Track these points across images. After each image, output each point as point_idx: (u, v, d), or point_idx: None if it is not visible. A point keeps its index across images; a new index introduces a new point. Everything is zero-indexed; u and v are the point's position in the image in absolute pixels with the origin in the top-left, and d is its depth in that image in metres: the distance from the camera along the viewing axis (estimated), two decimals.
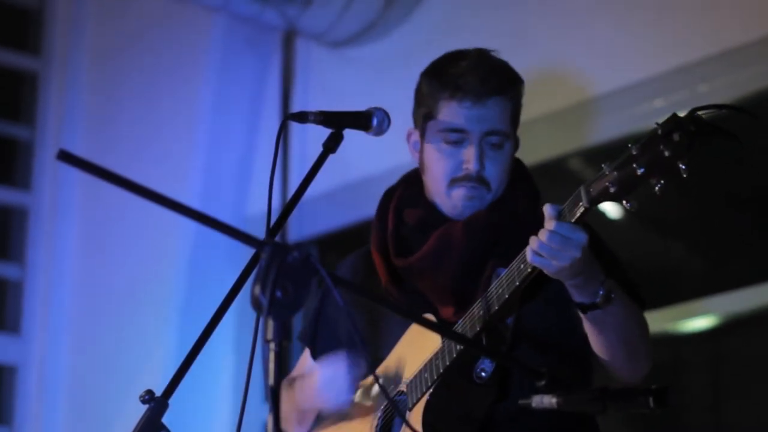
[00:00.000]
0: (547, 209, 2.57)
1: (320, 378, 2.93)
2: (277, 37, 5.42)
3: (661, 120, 2.38)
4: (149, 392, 2.55)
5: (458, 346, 2.72)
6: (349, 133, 2.94)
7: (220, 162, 5.46)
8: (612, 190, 2.43)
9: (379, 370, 2.97)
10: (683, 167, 2.33)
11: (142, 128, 5.76)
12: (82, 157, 1.94)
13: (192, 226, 5.19)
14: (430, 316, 2.86)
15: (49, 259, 5.92)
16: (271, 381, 1.91)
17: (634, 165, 2.38)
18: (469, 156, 2.93)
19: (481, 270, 2.90)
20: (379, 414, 2.92)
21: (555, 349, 2.85)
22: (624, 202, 2.45)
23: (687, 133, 2.32)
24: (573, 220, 2.54)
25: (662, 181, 2.37)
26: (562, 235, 2.52)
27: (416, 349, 2.85)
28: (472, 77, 2.96)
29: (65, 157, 1.93)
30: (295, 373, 3.19)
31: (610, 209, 4.70)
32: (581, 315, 2.67)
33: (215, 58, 5.51)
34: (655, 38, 4.35)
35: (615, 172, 2.42)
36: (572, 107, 4.48)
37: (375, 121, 2.95)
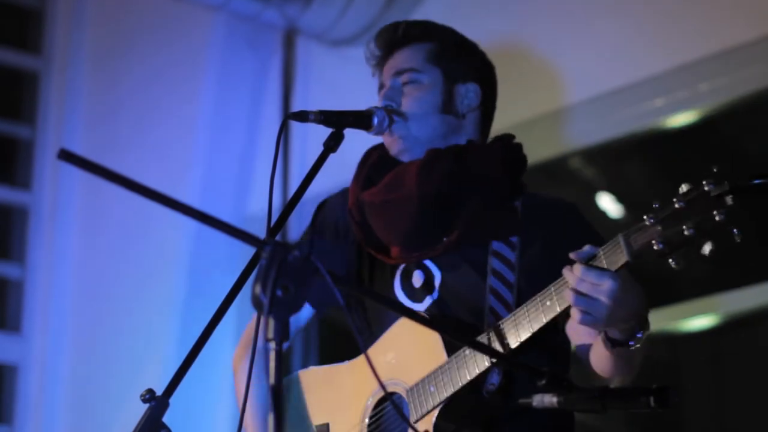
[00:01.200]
0: (586, 247, 2.51)
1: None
2: (278, 36, 5.42)
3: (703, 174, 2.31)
4: (150, 391, 2.56)
5: (470, 372, 2.69)
6: (349, 133, 2.95)
7: (221, 161, 5.46)
8: (657, 247, 2.36)
9: (364, 363, 2.95)
10: (736, 232, 2.28)
11: (142, 127, 5.76)
12: (83, 156, 1.94)
13: (192, 225, 5.19)
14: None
15: (50, 258, 5.92)
16: (272, 380, 1.91)
17: (683, 225, 2.31)
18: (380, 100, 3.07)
19: (438, 225, 2.90)
20: (366, 416, 2.90)
21: (539, 345, 2.83)
22: (670, 260, 2.36)
23: (741, 200, 2.27)
24: (615, 269, 2.47)
25: (714, 246, 2.30)
26: (591, 282, 2.46)
27: (412, 346, 2.84)
28: (377, 41, 3.17)
29: (66, 156, 1.93)
30: None
31: (610, 207, 4.70)
32: (603, 344, 2.62)
33: (216, 57, 5.51)
34: (656, 37, 4.35)
35: (659, 227, 2.34)
36: (573, 106, 4.48)
37: (375, 120, 2.97)
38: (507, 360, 2.61)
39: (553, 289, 2.57)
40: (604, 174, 4.70)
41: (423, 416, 2.76)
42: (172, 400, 2.57)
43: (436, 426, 2.73)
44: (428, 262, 2.93)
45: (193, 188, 5.37)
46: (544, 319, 2.59)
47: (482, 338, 2.71)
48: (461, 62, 3.12)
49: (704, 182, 2.27)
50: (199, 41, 5.59)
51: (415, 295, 2.93)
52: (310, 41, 5.31)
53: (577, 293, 2.47)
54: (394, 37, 3.14)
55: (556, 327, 2.76)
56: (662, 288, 4.52)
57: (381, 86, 3.11)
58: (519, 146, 3.07)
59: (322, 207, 3.20)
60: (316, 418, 3.02)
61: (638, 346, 2.59)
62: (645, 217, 2.36)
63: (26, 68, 6.18)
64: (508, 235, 2.88)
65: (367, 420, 2.90)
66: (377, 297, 2.93)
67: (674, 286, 4.52)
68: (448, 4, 4.84)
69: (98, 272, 5.78)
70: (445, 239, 2.89)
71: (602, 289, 2.45)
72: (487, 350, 2.63)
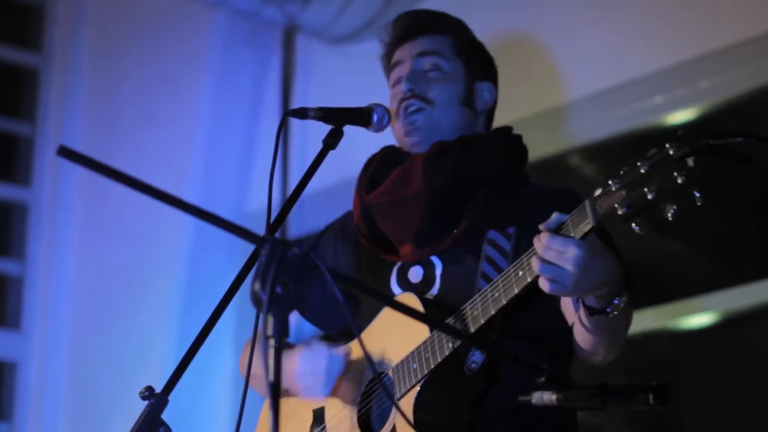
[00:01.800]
0: (553, 218, 2.51)
1: (298, 368, 2.92)
2: (278, 33, 5.42)
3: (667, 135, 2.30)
4: (149, 388, 2.56)
5: (451, 343, 2.69)
6: (349, 130, 2.95)
7: (220, 158, 5.46)
8: (621, 211, 2.33)
9: (357, 349, 2.96)
10: (698, 195, 2.26)
11: (142, 124, 5.76)
12: (83, 153, 1.94)
13: (192, 222, 5.20)
14: (412, 300, 2.83)
15: (49, 255, 5.92)
16: (271, 377, 1.91)
17: (645, 188, 2.29)
18: (402, 82, 3.05)
19: (449, 214, 2.90)
20: (357, 397, 2.91)
21: (539, 338, 2.84)
22: (633, 225, 2.33)
23: (703, 161, 2.26)
24: (579, 237, 2.46)
25: (675, 207, 2.28)
26: (555, 250, 2.45)
27: (398, 327, 2.84)
28: (397, 25, 3.14)
29: (65, 153, 1.93)
30: None
31: None
32: (582, 314, 2.64)
33: (215, 55, 5.51)
34: (656, 34, 4.35)
35: (623, 191, 2.32)
36: (573, 103, 4.48)
37: (375, 118, 2.97)
38: (504, 356, 2.61)
39: (525, 259, 2.56)
40: (604, 171, 4.70)
41: (405, 393, 2.76)
42: (171, 397, 2.57)
43: (416, 402, 2.73)
44: (431, 256, 2.94)
45: (193, 185, 5.38)
46: (515, 290, 2.57)
47: (455, 315, 2.71)
48: (480, 60, 3.14)
49: (667, 144, 2.27)
50: (199, 38, 5.59)
51: (413, 291, 2.92)
52: (309, 38, 5.30)
53: (543, 261, 2.46)
54: (415, 23, 3.13)
55: (551, 314, 2.77)
56: (661, 286, 4.52)
57: (397, 64, 3.10)
58: (519, 137, 3.08)
59: (322, 233, 3.22)
60: (314, 403, 3.03)
61: (617, 314, 2.57)
62: (610, 182, 2.35)
63: (26, 65, 6.18)
64: (507, 225, 2.88)
65: (358, 398, 2.90)
66: (374, 293, 2.92)
67: (674, 283, 4.52)
68: (446, 4, 4.83)
69: (98, 269, 5.78)
70: (454, 231, 2.89)
71: (567, 256, 2.44)
72: (487, 345, 2.64)
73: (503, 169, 2.95)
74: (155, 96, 5.74)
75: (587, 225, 2.43)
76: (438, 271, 2.92)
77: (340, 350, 2.95)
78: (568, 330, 2.81)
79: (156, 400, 2.54)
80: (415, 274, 2.95)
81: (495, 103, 3.15)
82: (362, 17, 5.03)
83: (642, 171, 2.29)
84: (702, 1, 4.27)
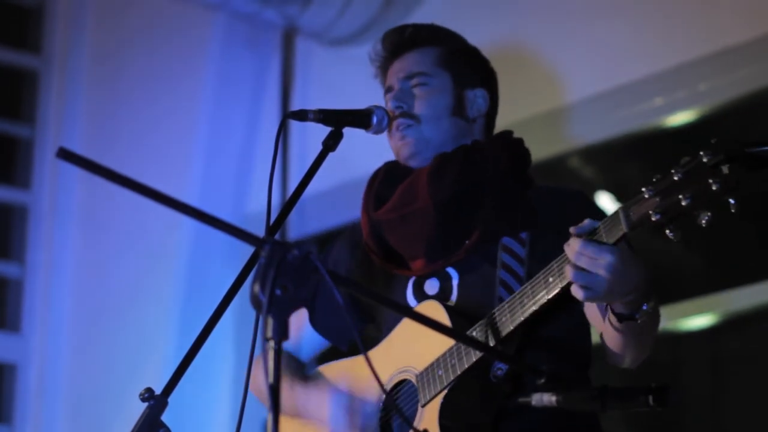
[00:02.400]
0: (585, 222, 2.52)
1: (330, 416, 2.91)
2: (277, 35, 5.42)
3: (703, 147, 2.31)
4: (149, 390, 2.56)
5: (475, 355, 2.69)
6: (348, 132, 2.95)
7: (220, 160, 5.46)
8: (654, 218, 2.36)
9: (381, 350, 2.96)
10: (732, 202, 2.27)
11: (141, 126, 5.76)
12: (82, 155, 1.94)
13: (192, 224, 5.19)
14: (434, 306, 2.83)
15: (49, 257, 5.91)
16: (270, 379, 1.91)
17: (680, 196, 2.31)
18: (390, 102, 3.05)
19: (459, 225, 2.90)
20: (381, 400, 2.91)
21: (559, 345, 2.84)
22: (667, 231, 2.36)
23: (737, 169, 2.26)
24: (609, 242, 2.47)
25: (710, 214, 2.29)
26: (588, 256, 2.46)
27: (422, 334, 2.82)
28: (384, 43, 3.15)
29: (65, 155, 1.93)
30: None
31: (610, 207, 4.70)
32: (612, 320, 2.62)
33: (215, 57, 5.51)
34: (656, 36, 4.35)
35: (657, 198, 2.35)
36: (572, 105, 4.48)
37: (375, 119, 2.97)
38: (507, 359, 2.61)
39: (555, 265, 2.57)
40: (603, 173, 4.70)
41: (430, 400, 2.77)
42: (171, 399, 2.57)
43: (442, 408, 2.74)
44: (447, 268, 2.93)
45: (192, 187, 5.37)
46: (546, 296, 2.59)
47: (482, 323, 2.72)
48: (470, 68, 3.13)
49: (701, 152, 2.29)
50: (198, 40, 5.59)
51: None
52: (309, 40, 5.30)
53: (576, 268, 2.47)
54: (401, 40, 3.13)
55: (574, 316, 2.78)
56: (660, 287, 4.52)
57: (389, 89, 3.10)
58: (520, 141, 3.08)
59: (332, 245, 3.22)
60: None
61: (645, 319, 2.58)
62: (643, 189, 2.37)
63: (26, 67, 6.17)
64: (520, 231, 2.88)
65: (379, 408, 2.91)
66: (379, 298, 2.92)
67: (674, 284, 4.52)
68: (448, 3, 4.83)
69: (97, 271, 5.78)
70: (466, 242, 2.89)
71: (601, 263, 2.45)
72: (479, 345, 2.64)
73: (508, 174, 2.95)
74: (155, 98, 5.74)
75: (620, 231, 2.45)
76: (455, 282, 2.91)
77: (373, 403, 2.94)
78: (587, 336, 2.82)
79: (156, 402, 2.54)
80: (432, 286, 2.94)
81: (494, 108, 3.14)
82: (361, 19, 5.03)
83: (676, 178, 2.32)
84: (701, 3, 4.27)
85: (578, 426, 2.84)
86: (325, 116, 2.91)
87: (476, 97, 3.09)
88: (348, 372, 3.03)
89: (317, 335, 3.14)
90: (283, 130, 3.24)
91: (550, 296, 2.58)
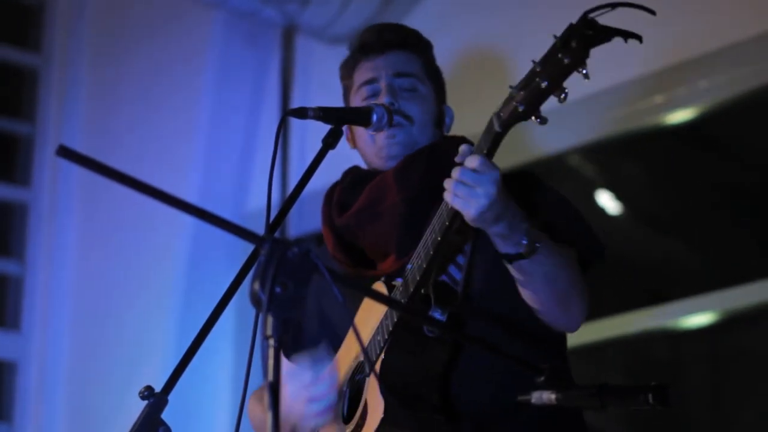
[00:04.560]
0: (462, 148, 2.58)
1: (289, 396, 2.89)
2: (277, 33, 5.42)
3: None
4: (149, 388, 2.56)
5: (402, 300, 2.72)
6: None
7: (220, 158, 5.46)
8: (520, 109, 2.44)
9: (341, 352, 2.98)
10: (584, 72, 2.40)
11: (141, 124, 5.76)
12: (82, 153, 1.94)
13: (191, 222, 5.20)
14: (380, 286, 2.85)
15: (49, 255, 5.92)
16: (270, 377, 1.92)
17: (537, 79, 2.40)
18: (381, 95, 3.02)
19: (424, 219, 2.89)
20: (345, 390, 2.91)
21: (506, 303, 2.82)
22: (534, 118, 2.46)
23: (583, 37, 2.40)
24: (486, 151, 2.54)
25: (566, 91, 2.41)
26: (473, 169, 2.52)
27: (369, 318, 2.85)
28: (370, 34, 3.14)
29: (65, 152, 1.93)
30: None
31: (609, 205, 4.71)
32: (507, 265, 2.66)
33: (215, 54, 5.51)
34: (655, 34, 4.35)
35: (521, 92, 2.44)
36: (572, 103, 4.47)
37: (375, 117, 2.97)
38: (503, 354, 2.61)
39: (443, 205, 2.63)
40: (603, 171, 4.70)
41: (373, 366, 2.78)
42: (170, 397, 2.57)
43: (383, 367, 2.75)
44: (410, 266, 2.93)
45: (192, 185, 5.38)
46: (438, 238, 2.64)
47: (402, 277, 2.77)
48: (442, 84, 3.16)
49: (554, 36, 2.42)
50: (198, 38, 5.60)
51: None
52: (309, 38, 5.30)
53: (458, 182, 2.53)
54: (390, 38, 3.12)
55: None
56: (660, 285, 4.52)
57: (370, 80, 3.07)
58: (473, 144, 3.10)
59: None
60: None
61: (537, 256, 2.60)
62: (510, 87, 2.46)
63: (26, 65, 6.18)
64: None
65: (345, 398, 2.91)
66: (358, 286, 2.92)
67: (673, 282, 4.52)
68: (445, 5, 4.83)
69: (97, 269, 5.78)
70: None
71: (482, 177, 2.52)
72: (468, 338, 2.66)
73: None
74: (154, 96, 5.75)
75: (494, 132, 2.52)
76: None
77: (326, 373, 2.94)
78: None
79: (155, 400, 2.54)
80: (398, 282, 2.94)
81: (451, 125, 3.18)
82: (361, 17, 5.03)
83: (537, 69, 2.43)
84: (701, 0, 4.27)
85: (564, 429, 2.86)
86: (325, 114, 2.91)
87: (445, 114, 3.13)
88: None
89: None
90: (282, 128, 3.24)
91: (442, 235, 2.63)
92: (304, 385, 2.89)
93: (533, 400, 2.32)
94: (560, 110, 4.49)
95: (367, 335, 2.84)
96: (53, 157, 5.78)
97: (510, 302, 2.80)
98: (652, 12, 2.46)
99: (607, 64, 4.41)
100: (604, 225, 4.62)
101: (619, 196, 4.69)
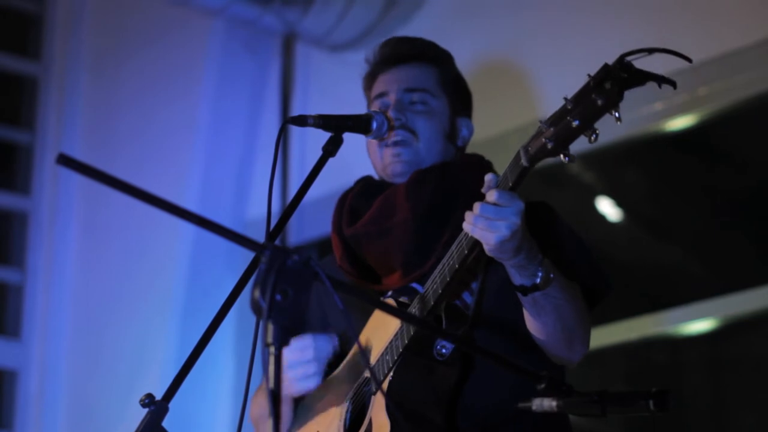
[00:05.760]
0: (487, 178, 2.57)
1: (287, 361, 2.91)
2: (277, 41, 5.43)
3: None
4: (149, 396, 2.56)
5: (412, 330, 2.72)
6: (348, 137, 2.95)
7: (220, 165, 5.46)
8: (549, 146, 2.42)
9: (346, 362, 2.98)
10: (617, 115, 2.36)
11: (141, 132, 5.76)
12: (82, 161, 1.94)
13: (192, 230, 5.19)
14: (390, 301, 2.86)
15: (49, 263, 5.92)
16: (271, 384, 1.92)
17: (569, 118, 2.38)
18: (390, 110, 3.03)
19: (434, 237, 2.90)
20: (347, 405, 2.92)
21: (514, 329, 2.83)
22: (562, 156, 2.43)
23: (618, 80, 2.36)
24: (511, 185, 2.53)
25: (597, 132, 2.39)
26: (496, 204, 2.51)
27: (378, 334, 2.86)
28: (386, 47, 3.13)
29: (65, 161, 1.93)
30: None
31: (610, 212, 4.71)
32: (521, 298, 2.66)
33: (215, 62, 5.51)
34: (655, 41, 4.35)
35: (551, 128, 2.42)
36: None
37: (375, 125, 2.97)
38: (501, 361, 2.61)
39: (463, 233, 2.62)
40: (603, 178, 4.70)
41: (380, 383, 2.78)
42: (171, 405, 2.57)
43: (389, 390, 2.75)
44: (415, 285, 2.92)
45: (192, 193, 5.37)
46: (456, 265, 2.63)
47: (417, 298, 2.77)
48: (461, 95, 3.15)
49: (588, 75, 2.38)
50: (198, 46, 5.60)
51: None
52: (308, 46, 5.31)
53: (480, 216, 2.51)
54: (405, 50, 3.13)
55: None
56: (660, 292, 4.52)
57: (381, 94, 3.09)
58: (490, 163, 3.10)
59: None
60: (310, 427, 3.04)
61: (550, 289, 2.61)
62: (540, 122, 2.44)
63: (25, 74, 6.18)
64: None
65: (346, 413, 2.91)
66: (370, 299, 2.92)
67: (673, 289, 4.52)
68: (447, 11, 4.84)
69: (98, 277, 5.78)
70: (437, 249, 2.90)
71: (506, 209, 2.50)
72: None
73: (478, 194, 2.94)
74: (154, 104, 5.75)
75: (520, 167, 2.51)
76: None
77: (326, 335, 2.95)
78: None
79: (156, 407, 2.54)
80: (403, 300, 2.93)
81: (471, 137, 3.16)
82: (361, 25, 5.04)
83: (568, 107, 2.40)
84: (701, 7, 4.27)
85: None
86: (324, 121, 2.91)
87: (462, 126, 3.12)
88: (310, 403, 3.05)
89: None
90: (282, 136, 3.25)
91: (459, 263, 2.62)
92: (299, 347, 2.90)
93: (534, 408, 2.32)
94: None
95: (375, 350, 2.85)
96: (53, 166, 5.78)
97: (516, 326, 2.81)
98: (689, 59, 2.44)
99: None
100: (604, 232, 4.62)
101: (620, 202, 4.69)
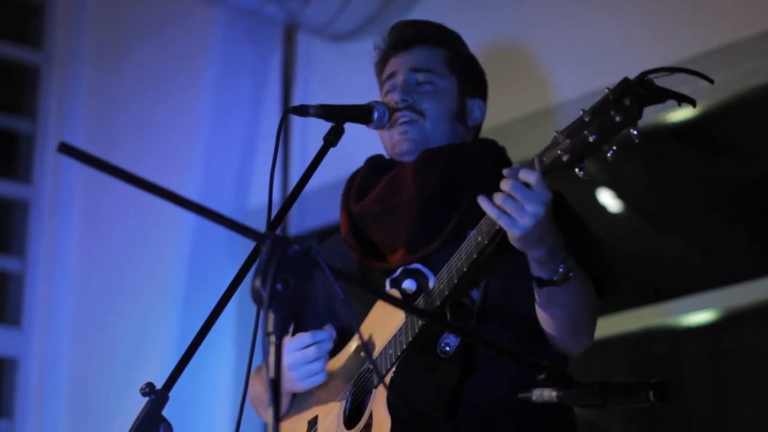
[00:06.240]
0: (505, 171, 2.54)
1: (287, 359, 2.89)
2: (278, 30, 5.42)
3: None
4: (150, 385, 2.56)
5: (420, 321, 2.71)
6: (349, 127, 2.95)
7: (221, 155, 5.46)
8: (565, 158, 2.40)
9: (344, 353, 2.97)
10: (635, 132, 2.32)
11: (143, 121, 5.76)
12: (83, 150, 1.94)
13: (193, 219, 5.20)
14: (395, 292, 2.85)
15: (50, 252, 5.92)
16: (271, 373, 1.92)
17: (586, 132, 2.35)
18: (397, 89, 3.04)
19: (440, 219, 2.90)
20: (348, 393, 2.92)
21: (520, 324, 2.83)
22: (577, 170, 2.40)
23: (637, 97, 2.31)
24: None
25: (614, 148, 2.35)
26: (527, 184, 2.47)
27: (381, 326, 2.85)
28: (395, 31, 3.14)
29: (66, 149, 1.93)
30: None
31: (610, 203, 4.71)
32: (535, 288, 2.66)
33: (216, 52, 5.51)
34: (655, 33, 4.35)
35: (567, 140, 2.39)
36: (570, 104, 4.48)
37: (376, 115, 2.97)
38: (503, 352, 2.61)
39: (483, 223, 2.59)
40: (604, 170, 4.70)
41: (383, 377, 2.77)
42: (171, 394, 2.57)
43: (391, 384, 2.75)
44: (420, 266, 2.93)
45: (194, 182, 5.38)
46: (474, 255, 2.60)
47: (427, 292, 2.75)
48: (472, 76, 3.14)
49: (607, 88, 2.34)
50: (199, 35, 5.59)
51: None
52: (310, 36, 5.30)
53: (507, 196, 2.48)
54: (412, 33, 3.13)
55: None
56: (661, 283, 4.52)
57: (391, 75, 3.10)
58: (504, 149, 3.10)
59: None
60: (308, 414, 3.04)
61: (568, 287, 2.60)
62: (556, 132, 2.41)
63: (27, 62, 6.18)
64: None
65: (347, 395, 2.91)
66: (374, 290, 2.93)
67: (674, 280, 4.52)
68: (447, 2, 4.83)
69: (98, 266, 5.79)
70: (444, 231, 2.89)
71: (535, 195, 2.47)
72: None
73: (489, 175, 2.92)
74: (156, 93, 5.75)
75: None
76: (431, 284, 2.91)
77: (324, 330, 2.94)
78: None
79: (157, 396, 2.55)
80: (410, 286, 2.93)
81: (483, 118, 3.16)
82: (363, 15, 5.03)
83: (585, 119, 2.36)
84: None
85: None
86: (326, 111, 2.91)
87: (474, 107, 3.11)
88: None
89: None
90: (284, 126, 3.25)
91: (477, 254, 2.60)
92: (300, 346, 2.90)
93: (534, 398, 2.32)
94: (561, 109, 4.51)
95: (378, 343, 2.84)
96: (54, 154, 5.78)
97: (521, 319, 2.81)
98: (710, 80, 2.41)
99: (607, 65, 4.41)
100: (605, 223, 4.62)
101: (620, 194, 4.69)
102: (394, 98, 3.03)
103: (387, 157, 3.13)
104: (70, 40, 6.14)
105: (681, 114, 4.32)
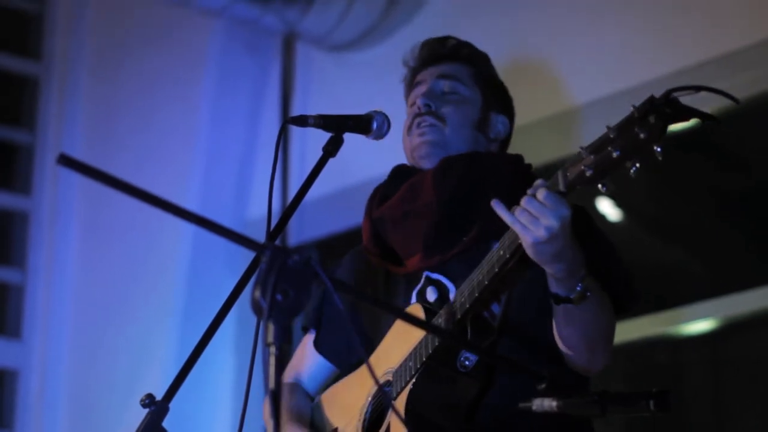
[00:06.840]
0: (538, 182, 2.55)
1: None
2: (277, 41, 5.43)
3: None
4: (150, 396, 2.56)
5: (437, 339, 2.71)
6: (349, 137, 2.95)
7: (220, 165, 5.47)
8: (588, 174, 2.42)
9: (375, 355, 2.97)
10: (658, 150, 2.34)
11: (142, 132, 5.76)
12: (82, 162, 1.94)
13: (192, 230, 5.20)
14: (417, 308, 2.85)
15: (50, 263, 5.92)
16: (271, 384, 1.91)
17: (610, 148, 2.37)
18: (421, 97, 3.07)
19: (458, 225, 2.90)
20: (368, 404, 2.92)
21: (540, 340, 2.83)
22: (600, 186, 2.42)
23: (662, 115, 2.34)
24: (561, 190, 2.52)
25: (637, 164, 2.37)
26: (540, 202, 2.49)
27: (403, 338, 2.85)
28: (425, 48, 3.18)
29: (65, 161, 1.93)
30: (294, 361, 3.20)
31: (610, 211, 4.70)
32: (553, 305, 2.66)
33: (215, 62, 5.52)
34: (658, 40, 4.36)
35: (591, 156, 2.41)
36: (573, 110, 4.48)
37: (375, 125, 2.97)
38: (503, 361, 2.61)
39: (506, 237, 2.61)
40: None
41: (400, 392, 2.78)
42: (172, 405, 2.57)
43: (410, 395, 2.75)
44: (440, 277, 2.93)
45: (193, 193, 5.38)
46: (495, 269, 2.61)
47: (447, 306, 2.75)
48: (498, 94, 3.16)
49: (633, 106, 2.37)
50: (198, 46, 5.60)
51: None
52: (309, 46, 5.31)
53: (522, 209, 2.51)
54: (442, 50, 3.16)
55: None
56: (661, 292, 4.52)
57: (418, 83, 3.13)
58: (530, 166, 3.10)
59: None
60: (329, 425, 3.06)
61: (585, 305, 2.60)
62: (581, 148, 2.43)
63: (26, 73, 6.18)
64: None
65: (366, 414, 2.91)
66: (378, 303, 2.93)
67: (674, 289, 4.52)
68: (449, 9, 4.84)
69: (98, 277, 5.78)
70: (464, 239, 2.90)
71: (550, 210, 2.49)
72: (482, 351, 2.65)
73: (512, 184, 2.92)
74: (155, 104, 5.75)
75: (555, 191, 2.50)
76: (452, 295, 2.91)
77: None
78: None
79: (157, 407, 2.54)
80: (432, 295, 2.94)
81: (509, 136, 3.17)
82: (362, 25, 5.04)
83: (610, 135, 2.38)
84: (704, 7, 4.27)
85: None
86: (325, 122, 2.91)
87: (498, 122, 3.13)
88: (338, 395, 3.08)
89: (322, 365, 3.17)
90: (283, 136, 3.25)
91: (499, 267, 2.61)
92: None
93: (534, 408, 2.32)
94: (562, 116, 4.51)
95: (398, 356, 2.84)
96: (54, 166, 5.78)
97: (539, 336, 2.81)
98: (736, 100, 2.43)
99: (611, 70, 4.42)
100: (605, 230, 4.61)
101: (620, 202, 4.69)
102: (417, 104, 3.05)
103: (409, 164, 3.14)
104: (69, 51, 6.14)
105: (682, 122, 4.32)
